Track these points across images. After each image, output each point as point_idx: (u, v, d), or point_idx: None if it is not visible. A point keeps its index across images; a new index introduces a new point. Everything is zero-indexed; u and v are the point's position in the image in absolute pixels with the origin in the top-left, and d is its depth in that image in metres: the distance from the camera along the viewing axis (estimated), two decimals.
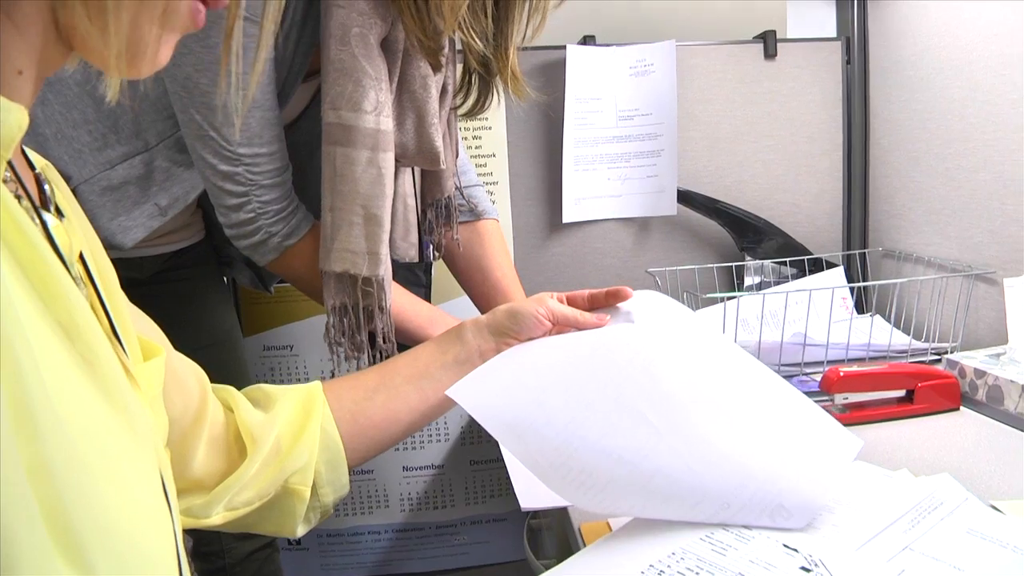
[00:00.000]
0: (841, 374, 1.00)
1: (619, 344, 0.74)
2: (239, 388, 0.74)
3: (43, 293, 0.36)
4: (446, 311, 1.08)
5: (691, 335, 0.77)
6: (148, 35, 0.39)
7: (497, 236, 1.21)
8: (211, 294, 1.26)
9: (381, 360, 0.97)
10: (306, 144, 1.00)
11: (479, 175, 1.29)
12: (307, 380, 1.46)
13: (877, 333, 1.26)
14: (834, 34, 1.60)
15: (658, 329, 0.77)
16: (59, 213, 0.46)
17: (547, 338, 0.78)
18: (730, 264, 1.51)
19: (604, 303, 0.81)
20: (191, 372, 0.66)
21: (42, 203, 0.44)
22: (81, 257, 0.46)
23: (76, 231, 0.47)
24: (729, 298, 1.19)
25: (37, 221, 0.42)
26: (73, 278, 0.41)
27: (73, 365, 0.37)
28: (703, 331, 0.79)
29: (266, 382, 0.76)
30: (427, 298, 1.18)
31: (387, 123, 0.91)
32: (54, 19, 0.37)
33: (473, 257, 1.18)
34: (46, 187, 0.45)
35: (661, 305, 0.81)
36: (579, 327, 0.78)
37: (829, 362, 1.17)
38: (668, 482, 0.65)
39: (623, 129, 1.51)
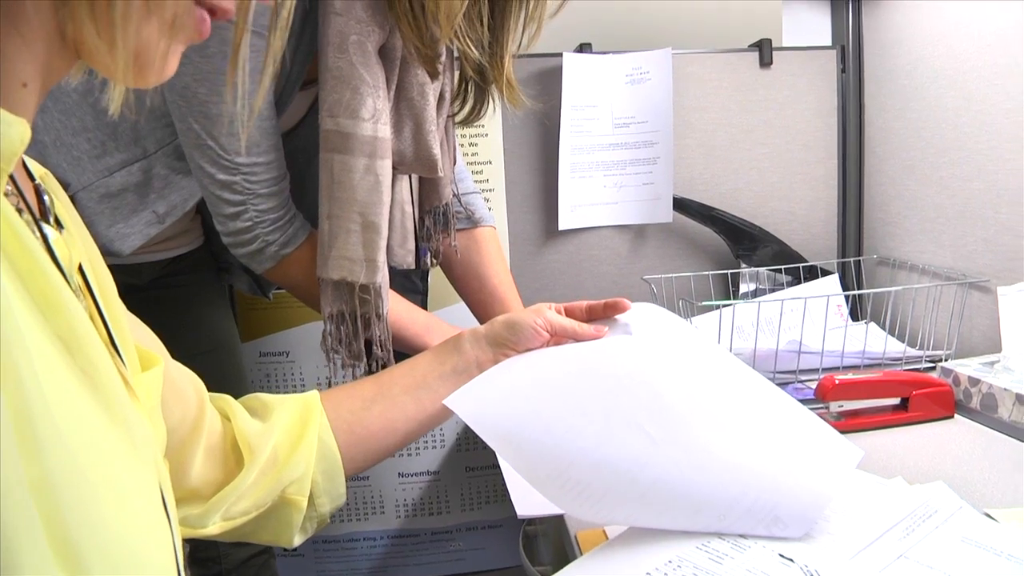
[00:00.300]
0: (836, 382, 1.00)
1: (617, 356, 0.74)
2: (237, 395, 0.74)
3: (43, 306, 0.36)
4: (442, 318, 1.08)
5: (689, 347, 0.77)
6: (155, 47, 0.39)
7: (494, 243, 1.21)
8: (210, 300, 1.26)
9: (378, 368, 0.97)
10: (304, 152, 1.00)
11: (475, 182, 1.29)
12: (303, 387, 1.47)
13: (872, 341, 1.27)
14: (829, 43, 1.61)
15: (656, 341, 0.77)
16: (58, 224, 0.46)
17: (545, 349, 0.78)
18: (725, 271, 1.52)
19: (602, 314, 0.80)
20: (189, 381, 0.66)
21: (42, 214, 0.44)
22: (80, 268, 0.46)
23: (75, 242, 0.47)
24: (724, 306, 1.19)
25: (37, 234, 0.42)
26: (73, 290, 0.41)
27: (73, 378, 0.37)
28: (701, 343, 0.79)
29: (262, 389, 0.76)
30: (424, 305, 1.18)
31: (384, 130, 0.91)
32: (60, 30, 0.37)
33: (470, 264, 1.18)
34: (45, 198, 0.45)
35: (659, 317, 0.81)
36: (577, 338, 0.78)
37: (824, 370, 1.18)
38: (665, 493, 0.65)
39: (619, 136, 1.51)
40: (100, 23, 0.37)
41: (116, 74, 0.39)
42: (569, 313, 0.81)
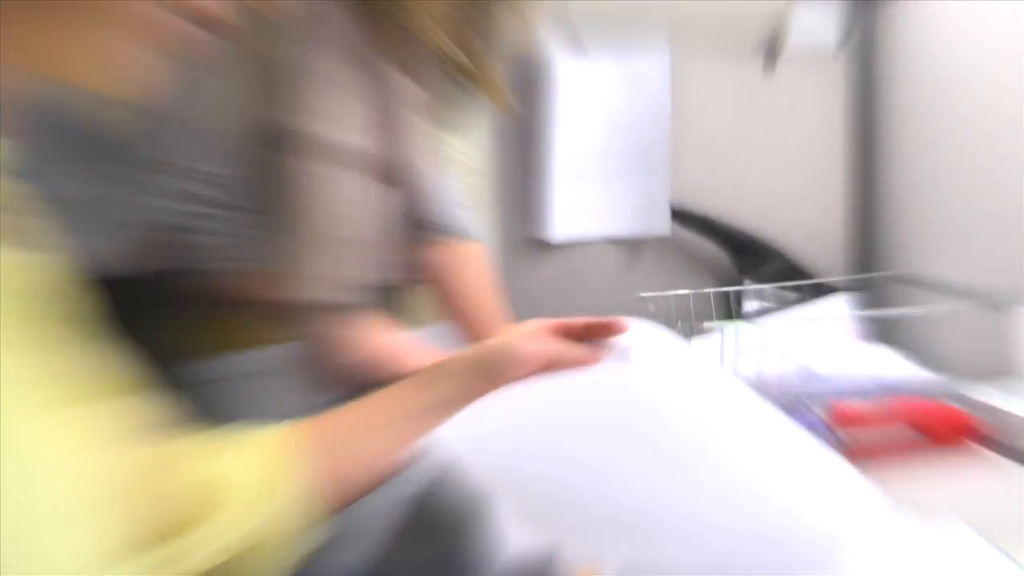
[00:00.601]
0: (847, 410, 0.99)
1: (617, 389, 0.71)
2: (214, 420, 0.70)
3: (11, 334, 0.37)
4: (425, 338, 1.06)
5: (693, 378, 0.74)
6: (133, 58, 0.41)
7: (480, 259, 1.18)
8: (188, 321, 1.23)
9: (355, 392, 0.94)
10: (279, 162, 0.96)
11: (462, 193, 1.25)
12: (277, 412, 1.43)
13: (884, 364, 1.23)
14: (839, 43, 1.56)
15: (658, 372, 0.73)
16: (33, 245, 0.46)
17: (538, 380, 0.73)
18: (728, 289, 1.47)
19: (599, 334, 0.76)
20: (164, 412, 0.63)
21: (22, 235, 0.45)
22: (60, 291, 0.46)
23: (55, 263, 0.48)
24: (727, 326, 1.17)
25: (17, 257, 0.43)
26: (51, 315, 0.43)
27: (50, 407, 0.38)
28: (706, 373, 0.76)
29: (233, 416, 0.75)
30: (405, 324, 1.15)
31: (360, 138, 0.89)
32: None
33: (454, 281, 1.14)
34: (26, 218, 0.46)
35: (658, 340, 0.78)
36: (573, 364, 0.73)
37: (834, 395, 1.13)
38: (670, 535, 0.63)
39: (613, 143, 1.48)
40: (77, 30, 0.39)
41: (94, 84, 0.41)
42: (566, 330, 0.77)
